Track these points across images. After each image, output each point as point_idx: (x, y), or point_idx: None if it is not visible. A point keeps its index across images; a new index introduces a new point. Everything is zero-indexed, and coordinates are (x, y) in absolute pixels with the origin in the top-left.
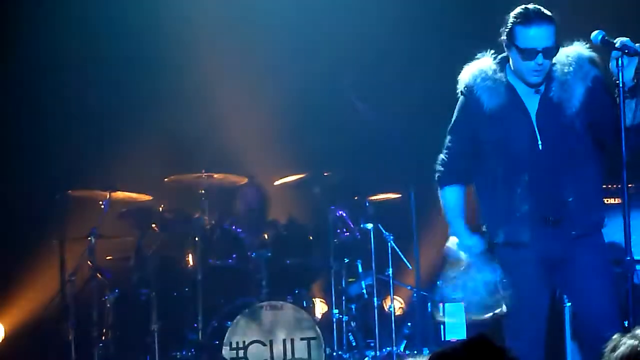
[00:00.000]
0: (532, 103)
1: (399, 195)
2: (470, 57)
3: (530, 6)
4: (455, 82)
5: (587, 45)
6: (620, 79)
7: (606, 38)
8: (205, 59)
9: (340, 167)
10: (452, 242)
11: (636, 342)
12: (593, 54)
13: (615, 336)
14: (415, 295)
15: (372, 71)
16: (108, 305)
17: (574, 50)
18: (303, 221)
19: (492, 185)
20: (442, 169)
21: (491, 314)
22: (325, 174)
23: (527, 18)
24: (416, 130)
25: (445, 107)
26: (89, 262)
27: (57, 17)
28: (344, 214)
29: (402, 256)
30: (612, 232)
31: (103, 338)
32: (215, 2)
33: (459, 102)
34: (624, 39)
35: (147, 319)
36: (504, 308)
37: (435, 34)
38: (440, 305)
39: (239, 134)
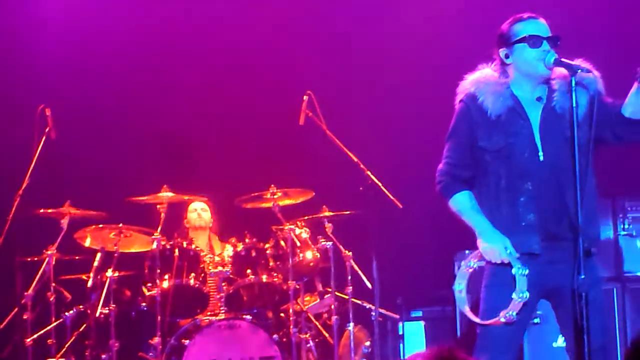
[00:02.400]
0: (534, 113)
1: (359, 213)
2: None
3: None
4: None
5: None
6: (574, 99)
7: (559, 60)
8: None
9: (299, 185)
10: (486, 243)
11: None
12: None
13: None
14: (374, 314)
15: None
16: (66, 324)
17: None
18: (261, 239)
19: (495, 194)
20: (444, 178)
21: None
22: (284, 191)
23: (522, 17)
24: (378, 147)
25: (411, 122)
26: (47, 281)
27: None
28: (303, 232)
29: (361, 275)
30: None
31: (61, 356)
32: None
33: (457, 111)
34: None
35: (106, 337)
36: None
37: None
38: (400, 324)
39: (199, 151)
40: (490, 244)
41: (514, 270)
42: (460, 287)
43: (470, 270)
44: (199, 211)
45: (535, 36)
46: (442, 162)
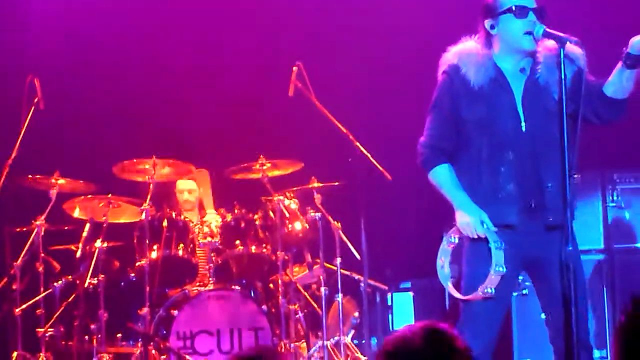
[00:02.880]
0: (517, 84)
1: (348, 184)
2: None
3: None
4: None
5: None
6: (562, 71)
7: (548, 31)
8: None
9: (288, 156)
10: (463, 218)
11: None
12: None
13: None
14: (362, 285)
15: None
16: (55, 294)
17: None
18: (250, 210)
19: (476, 165)
20: (425, 151)
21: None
22: (273, 162)
23: None
24: (367, 118)
25: (399, 93)
26: (36, 251)
27: None
28: (292, 203)
29: (350, 246)
30: None
31: (50, 326)
32: None
33: (440, 83)
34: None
35: (94, 308)
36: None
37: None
38: (389, 295)
39: (188, 122)
40: (467, 218)
41: (490, 244)
42: (442, 262)
43: (452, 245)
44: (186, 192)
45: (521, 7)
46: (424, 135)
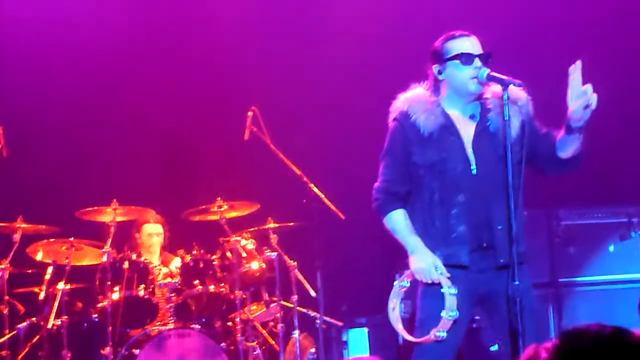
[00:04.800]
0: (467, 130)
1: (303, 224)
2: None
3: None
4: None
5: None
6: (506, 112)
7: (492, 74)
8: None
9: (245, 198)
10: (418, 263)
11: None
12: (519, 87)
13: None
14: (318, 321)
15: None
16: (20, 335)
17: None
18: (209, 251)
19: (428, 208)
20: (381, 196)
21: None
22: (230, 204)
23: (455, 35)
24: (321, 160)
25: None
26: (0, 294)
27: None
28: (249, 244)
29: (306, 284)
30: None
31: None
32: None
33: (391, 130)
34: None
35: (58, 348)
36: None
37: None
38: (344, 331)
39: (147, 166)
40: (421, 264)
41: (443, 290)
42: (393, 305)
43: (404, 289)
44: (155, 235)
45: (467, 54)
46: (378, 180)
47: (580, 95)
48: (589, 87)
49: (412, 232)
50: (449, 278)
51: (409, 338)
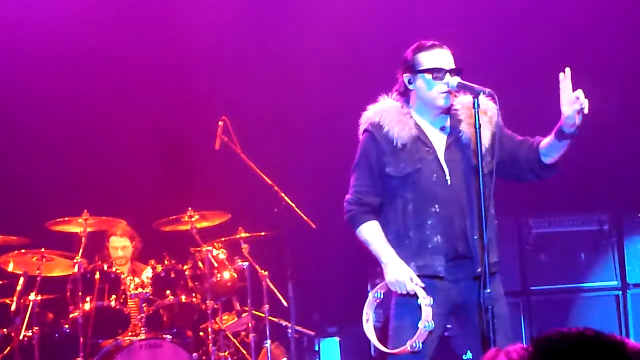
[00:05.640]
0: (439, 141)
1: (274, 234)
2: None
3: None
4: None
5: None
6: (477, 120)
7: (462, 82)
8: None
9: (216, 208)
10: (392, 275)
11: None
12: (489, 96)
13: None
14: (290, 331)
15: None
16: None
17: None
18: (180, 261)
19: (402, 219)
20: (353, 208)
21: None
22: (202, 214)
23: (427, 46)
24: (292, 170)
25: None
26: None
27: None
28: (220, 254)
29: (277, 294)
30: None
31: None
32: None
33: (363, 141)
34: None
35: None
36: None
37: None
38: (316, 340)
39: (118, 176)
40: (396, 276)
41: (419, 301)
42: (367, 317)
43: (378, 301)
44: (120, 249)
45: (438, 69)
46: (350, 192)
47: (573, 101)
48: (580, 92)
49: (385, 244)
50: (423, 289)
51: (385, 350)
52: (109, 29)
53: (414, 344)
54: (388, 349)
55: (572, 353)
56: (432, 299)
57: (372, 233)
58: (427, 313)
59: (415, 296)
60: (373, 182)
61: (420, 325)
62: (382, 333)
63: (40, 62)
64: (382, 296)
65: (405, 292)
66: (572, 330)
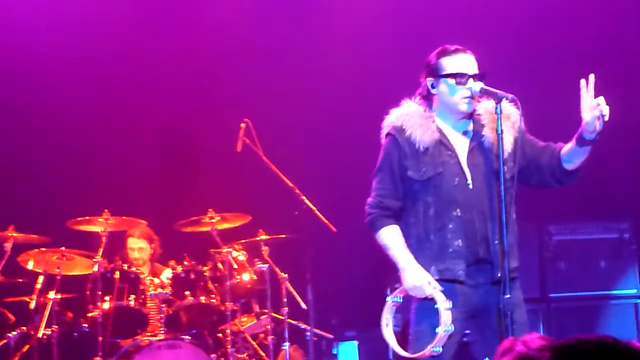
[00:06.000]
0: (461, 145)
1: (294, 236)
2: None
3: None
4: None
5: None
6: (499, 126)
7: (485, 88)
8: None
9: (237, 209)
10: (411, 280)
11: (525, 350)
12: (512, 102)
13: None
14: (309, 334)
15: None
16: (10, 345)
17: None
18: (200, 262)
19: (423, 222)
20: (374, 211)
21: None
22: (222, 215)
23: (451, 50)
24: (313, 172)
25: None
26: None
27: None
28: (240, 255)
29: (297, 296)
30: None
31: None
32: None
33: (385, 145)
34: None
35: (48, 358)
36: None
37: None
38: (334, 343)
39: (140, 176)
40: (414, 281)
41: (438, 304)
42: (386, 321)
43: (397, 305)
44: (137, 250)
45: (461, 74)
46: (371, 195)
47: (593, 107)
48: (601, 99)
49: (404, 249)
50: (442, 292)
51: (404, 354)
52: (133, 33)
53: (434, 349)
54: (408, 353)
55: (590, 359)
56: (451, 302)
57: (391, 237)
58: (445, 316)
59: (434, 300)
60: (394, 185)
61: (440, 329)
62: (401, 337)
63: (61, 64)
64: (401, 300)
65: (423, 297)
66: (591, 336)
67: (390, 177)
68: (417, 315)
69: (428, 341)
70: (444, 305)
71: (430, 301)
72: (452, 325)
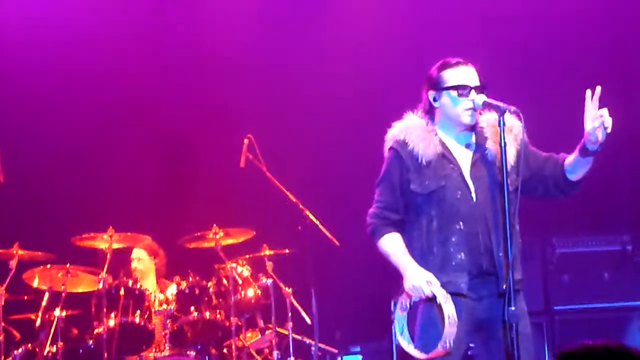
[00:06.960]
0: (464, 158)
1: (298, 251)
2: None
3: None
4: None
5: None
6: (502, 138)
7: (488, 101)
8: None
9: (241, 225)
10: (410, 281)
11: None
12: (514, 114)
13: None
14: (313, 348)
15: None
16: None
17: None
18: (204, 278)
19: (426, 235)
20: (374, 221)
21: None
22: (226, 230)
23: (452, 63)
24: (316, 187)
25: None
26: None
27: None
28: (244, 270)
29: (301, 311)
30: None
31: None
32: None
33: (388, 158)
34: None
35: None
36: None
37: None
38: (339, 358)
39: (142, 193)
40: (412, 282)
41: (438, 299)
42: (399, 329)
43: (405, 311)
44: (136, 260)
45: (463, 86)
46: (373, 206)
47: (594, 118)
48: (605, 110)
49: (405, 253)
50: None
51: (421, 357)
52: (135, 46)
53: (445, 344)
54: (425, 355)
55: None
56: (449, 294)
57: (391, 244)
58: (448, 309)
59: (436, 300)
60: (395, 199)
61: (445, 322)
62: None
63: (65, 78)
64: (408, 305)
65: (424, 296)
66: (597, 342)
67: (391, 190)
68: (423, 318)
69: (437, 340)
70: (444, 299)
71: (432, 301)
72: (455, 317)
